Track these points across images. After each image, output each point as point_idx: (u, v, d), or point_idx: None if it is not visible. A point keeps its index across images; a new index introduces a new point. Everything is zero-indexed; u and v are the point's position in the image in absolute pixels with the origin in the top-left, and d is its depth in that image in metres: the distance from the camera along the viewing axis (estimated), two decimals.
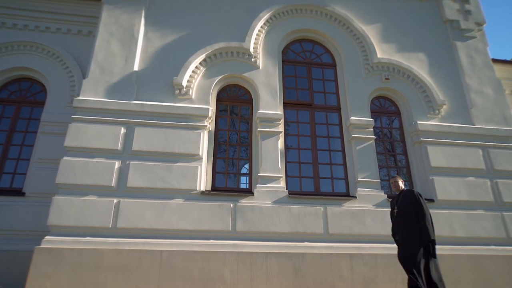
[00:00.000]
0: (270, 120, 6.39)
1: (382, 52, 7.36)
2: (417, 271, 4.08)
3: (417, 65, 7.36)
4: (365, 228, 5.88)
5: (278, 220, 5.74)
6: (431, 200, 6.23)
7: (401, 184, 4.72)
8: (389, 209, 5.96)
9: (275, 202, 5.86)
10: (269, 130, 6.33)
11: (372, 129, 6.67)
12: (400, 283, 5.53)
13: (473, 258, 5.86)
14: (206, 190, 5.90)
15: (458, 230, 6.05)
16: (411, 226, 4.33)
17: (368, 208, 6.03)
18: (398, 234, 4.54)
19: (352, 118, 6.65)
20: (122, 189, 5.61)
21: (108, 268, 5.09)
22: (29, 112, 7.00)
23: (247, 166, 6.49)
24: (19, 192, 6.26)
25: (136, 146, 5.86)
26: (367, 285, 5.47)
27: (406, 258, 4.23)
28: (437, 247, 5.77)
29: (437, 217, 6.08)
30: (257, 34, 7.05)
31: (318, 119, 6.89)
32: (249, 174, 6.30)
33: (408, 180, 6.66)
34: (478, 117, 7.04)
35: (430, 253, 4.20)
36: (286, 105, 6.83)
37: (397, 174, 4.70)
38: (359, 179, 6.26)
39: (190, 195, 5.72)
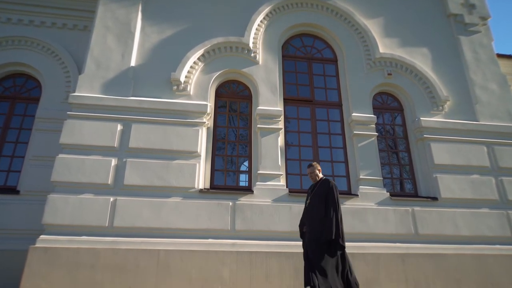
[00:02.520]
0: (270, 117, 6.26)
1: (384, 47, 7.21)
2: (318, 269, 3.78)
3: (420, 60, 7.21)
4: (367, 226, 5.76)
5: (278, 219, 5.62)
6: (435, 198, 6.12)
7: (319, 173, 4.42)
8: (392, 207, 5.95)
9: (275, 200, 5.75)
10: (269, 126, 6.20)
11: (374, 126, 6.54)
12: (403, 283, 5.43)
13: (478, 258, 5.75)
14: (204, 188, 5.79)
15: (462, 228, 5.93)
16: (319, 219, 4.05)
17: (370, 207, 5.91)
18: (307, 227, 4.21)
19: (353, 114, 6.52)
20: (119, 187, 5.50)
21: (104, 268, 4.98)
22: (23, 109, 6.88)
23: (246, 163, 6.37)
24: (13, 190, 6.17)
25: (133, 143, 5.74)
26: (369, 285, 5.36)
27: (310, 253, 3.90)
28: (440, 246, 5.78)
29: (441, 215, 5.98)
30: (256, 29, 6.91)
31: (319, 115, 6.76)
32: (249, 172, 6.19)
33: (411, 177, 6.54)
34: (482, 113, 6.89)
35: (332, 252, 3.92)
36: (286, 101, 6.70)
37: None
38: (361, 176, 6.14)
39: (188, 193, 5.61)
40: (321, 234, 3.96)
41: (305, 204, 4.44)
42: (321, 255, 3.88)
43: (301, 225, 4.43)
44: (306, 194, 5.83)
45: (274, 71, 6.68)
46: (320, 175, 4.45)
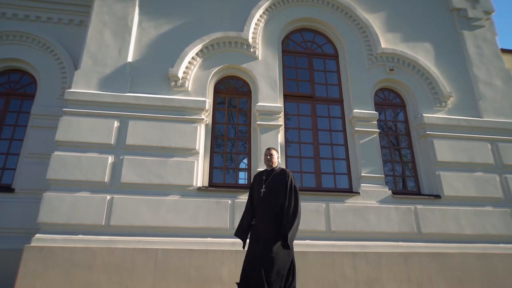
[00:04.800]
0: (269, 113, 6.15)
1: (386, 42, 7.08)
2: (278, 269, 3.45)
3: (423, 55, 7.09)
4: (368, 225, 5.66)
5: None
6: (438, 196, 6.01)
7: (276, 159, 3.91)
8: (394, 206, 5.83)
9: None
10: (269, 123, 6.09)
11: (376, 122, 6.42)
12: (405, 283, 5.33)
13: (481, 257, 5.65)
14: (203, 186, 5.69)
15: (466, 227, 5.83)
16: (279, 214, 3.61)
17: (372, 205, 5.81)
18: (259, 220, 3.70)
19: (355, 110, 6.40)
20: (116, 185, 5.40)
21: (100, 268, 4.89)
22: (18, 105, 6.75)
23: (245, 161, 6.27)
24: (8, 189, 6.05)
25: (130, 140, 5.63)
26: (371, 285, 5.27)
27: (267, 253, 3.48)
28: (443, 245, 5.68)
29: (444, 214, 5.88)
30: (256, 24, 6.78)
31: (320, 112, 6.65)
32: (248, 169, 6.08)
33: (414, 175, 6.43)
34: (486, 109, 6.78)
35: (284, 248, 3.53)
36: (287, 97, 6.58)
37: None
38: (362, 174, 6.04)
39: (186, 191, 5.51)
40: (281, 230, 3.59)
41: (258, 194, 3.81)
42: (288, 255, 3.58)
43: (248, 217, 3.83)
44: (307, 192, 5.79)
45: (274, 66, 6.56)
46: (276, 162, 4.00)
